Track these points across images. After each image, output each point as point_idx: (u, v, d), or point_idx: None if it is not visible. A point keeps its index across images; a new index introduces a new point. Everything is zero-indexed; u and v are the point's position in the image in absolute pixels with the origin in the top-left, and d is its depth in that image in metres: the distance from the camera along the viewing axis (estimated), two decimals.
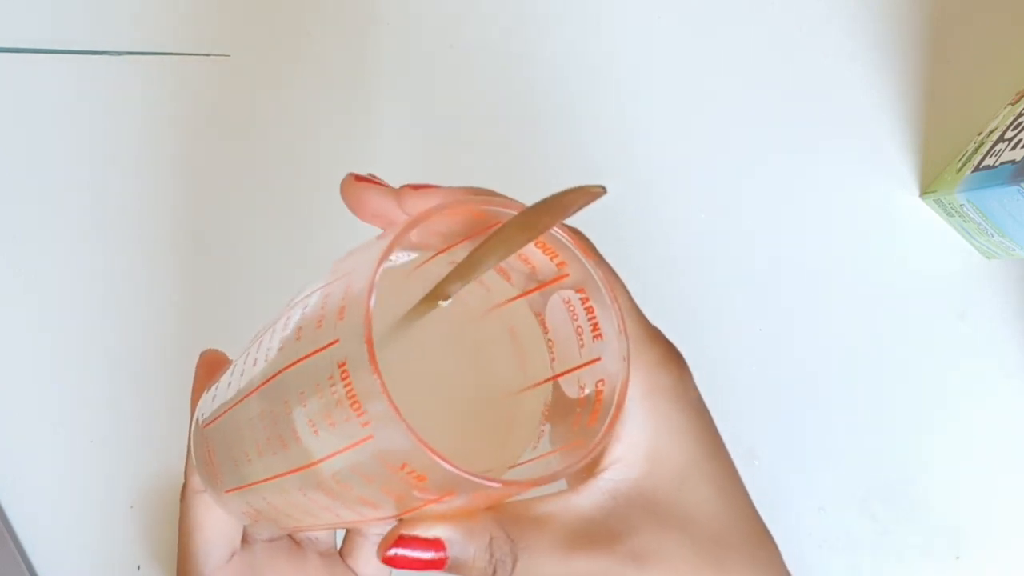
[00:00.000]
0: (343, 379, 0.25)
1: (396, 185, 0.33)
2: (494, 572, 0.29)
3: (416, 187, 0.31)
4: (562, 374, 0.30)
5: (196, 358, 0.57)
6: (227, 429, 0.32)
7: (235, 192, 0.58)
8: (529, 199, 0.29)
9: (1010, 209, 0.49)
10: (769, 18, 0.59)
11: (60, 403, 0.56)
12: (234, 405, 0.31)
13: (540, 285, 0.30)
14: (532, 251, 0.29)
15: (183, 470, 0.42)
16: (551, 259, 0.29)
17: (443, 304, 0.28)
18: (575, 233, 0.31)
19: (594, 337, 0.29)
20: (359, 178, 0.33)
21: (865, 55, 0.59)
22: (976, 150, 0.54)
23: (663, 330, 0.33)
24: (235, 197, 0.58)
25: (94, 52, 0.59)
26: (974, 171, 0.52)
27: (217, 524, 0.37)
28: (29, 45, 0.59)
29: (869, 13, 0.59)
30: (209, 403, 0.34)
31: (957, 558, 0.55)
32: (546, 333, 0.31)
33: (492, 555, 0.29)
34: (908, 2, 0.59)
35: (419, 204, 0.31)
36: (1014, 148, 0.49)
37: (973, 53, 0.59)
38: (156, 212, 0.58)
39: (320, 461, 0.27)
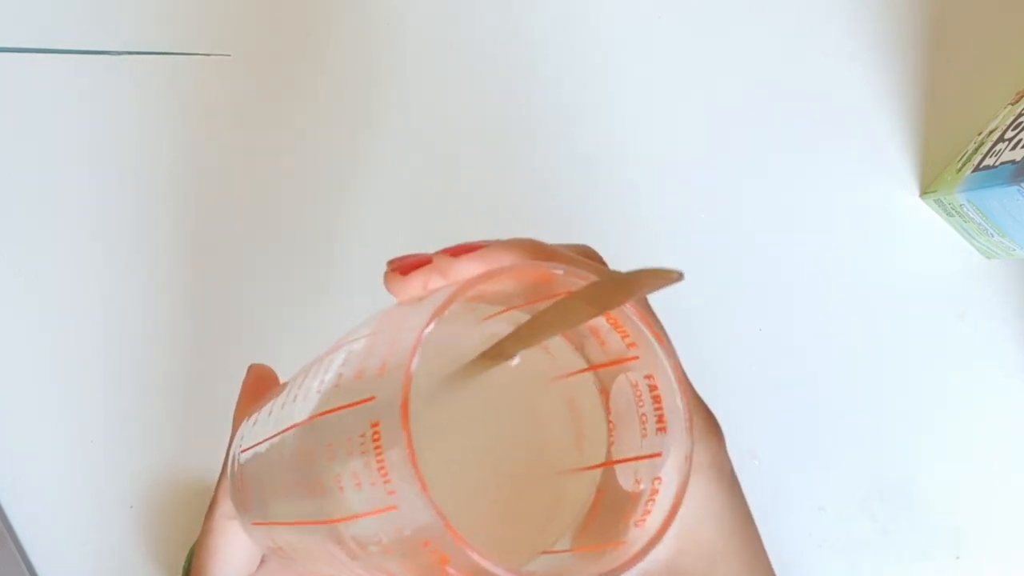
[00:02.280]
0: (374, 440, 0.24)
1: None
2: None
3: (454, 253, 0.29)
4: (619, 461, 0.28)
5: (195, 357, 0.57)
6: (260, 461, 0.30)
7: (234, 192, 0.58)
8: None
9: (1010, 209, 0.49)
10: (769, 18, 0.59)
11: (60, 403, 0.56)
12: (270, 438, 0.30)
13: (608, 363, 0.29)
14: (603, 325, 0.28)
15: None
16: (622, 338, 0.28)
17: (501, 365, 0.27)
18: (647, 313, 0.29)
19: (658, 429, 0.27)
20: (400, 269, 0.30)
21: (865, 55, 0.59)
22: (976, 150, 0.54)
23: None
24: (234, 197, 0.58)
25: (94, 52, 0.59)
26: (974, 171, 0.52)
27: (238, 553, 0.37)
28: (29, 45, 0.59)
29: (869, 13, 0.59)
30: (250, 428, 0.33)
31: (957, 558, 0.55)
32: (608, 414, 0.29)
33: None
34: (908, 2, 0.59)
35: (464, 270, 0.29)
36: (1014, 148, 0.49)
37: (973, 53, 0.59)
38: (156, 212, 0.58)
39: (341, 520, 0.26)
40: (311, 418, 0.27)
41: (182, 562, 0.55)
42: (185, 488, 0.56)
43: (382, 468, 0.24)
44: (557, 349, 0.30)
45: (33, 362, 0.57)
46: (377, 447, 0.24)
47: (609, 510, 0.28)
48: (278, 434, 0.29)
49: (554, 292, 0.27)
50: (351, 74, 0.59)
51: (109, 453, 0.56)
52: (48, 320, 0.57)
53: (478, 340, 0.28)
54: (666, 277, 0.23)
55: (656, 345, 0.27)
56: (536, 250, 0.29)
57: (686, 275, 0.23)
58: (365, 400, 0.25)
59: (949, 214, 0.56)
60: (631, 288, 0.25)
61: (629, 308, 0.27)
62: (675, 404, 0.27)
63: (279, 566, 0.38)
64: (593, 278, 0.26)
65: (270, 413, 0.31)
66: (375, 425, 0.24)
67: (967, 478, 0.56)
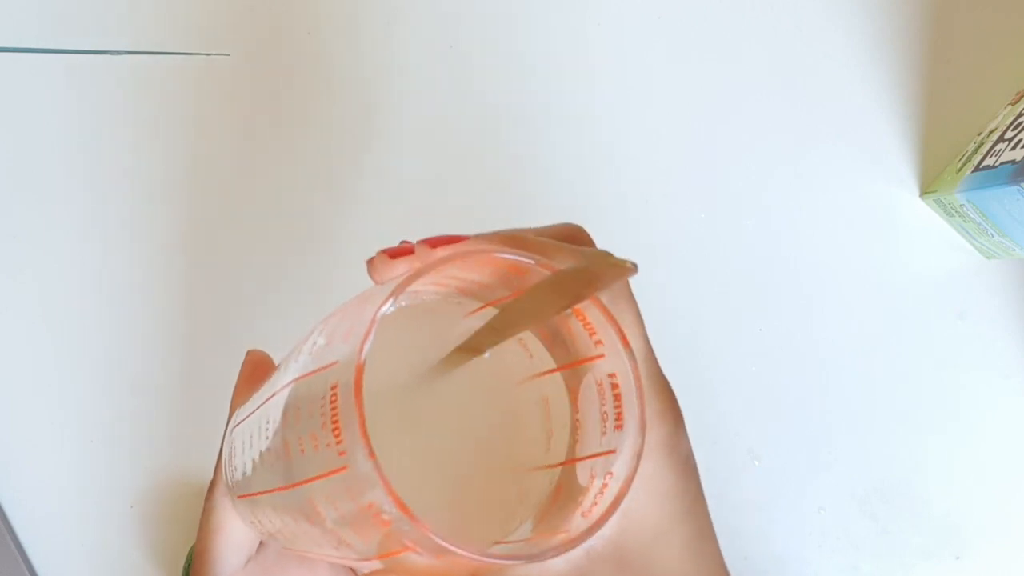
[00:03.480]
0: (331, 401, 0.25)
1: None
2: None
3: (433, 244, 0.30)
4: (579, 459, 0.29)
5: (195, 358, 0.57)
6: (244, 433, 0.32)
7: (234, 191, 0.58)
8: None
9: (1010, 209, 0.49)
10: (769, 19, 0.59)
11: (60, 403, 0.56)
12: (254, 411, 0.31)
13: (576, 362, 0.30)
14: (574, 323, 0.29)
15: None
16: (590, 335, 0.29)
17: (479, 362, 0.28)
18: (629, 303, 0.30)
19: (616, 427, 0.28)
20: (389, 254, 0.31)
21: (865, 55, 0.59)
22: (976, 150, 0.54)
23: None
24: (234, 196, 0.58)
25: (94, 52, 0.59)
26: (974, 171, 0.52)
27: (237, 531, 0.37)
28: (29, 45, 0.59)
29: (869, 13, 0.59)
30: (242, 409, 0.34)
31: (957, 558, 0.55)
32: (576, 413, 0.30)
33: None
34: (908, 2, 0.59)
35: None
36: (1014, 148, 0.49)
37: (973, 53, 0.59)
38: (156, 211, 0.58)
39: (301, 484, 0.27)
40: (286, 386, 0.28)
41: (182, 562, 0.55)
42: (185, 488, 0.56)
43: (336, 428, 0.25)
44: (535, 348, 0.30)
45: (33, 362, 0.57)
46: (333, 408, 0.25)
47: (566, 503, 0.29)
48: (260, 405, 0.30)
49: (525, 279, 0.28)
50: (351, 74, 0.59)
51: (109, 453, 0.56)
52: (48, 320, 0.57)
53: (457, 335, 0.28)
54: (622, 268, 0.25)
55: (619, 344, 0.28)
56: (515, 241, 0.29)
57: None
58: (330, 364, 0.26)
59: (949, 214, 0.56)
60: (591, 279, 0.25)
61: (595, 306, 0.28)
62: (633, 401, 0.28)
63: (276, 549, 0.38)
64: (547, 262, 0.27)
65: (261, 391, 0.32)
66: (334, 387, 0.25)
67: (967, 478, 0.56)
